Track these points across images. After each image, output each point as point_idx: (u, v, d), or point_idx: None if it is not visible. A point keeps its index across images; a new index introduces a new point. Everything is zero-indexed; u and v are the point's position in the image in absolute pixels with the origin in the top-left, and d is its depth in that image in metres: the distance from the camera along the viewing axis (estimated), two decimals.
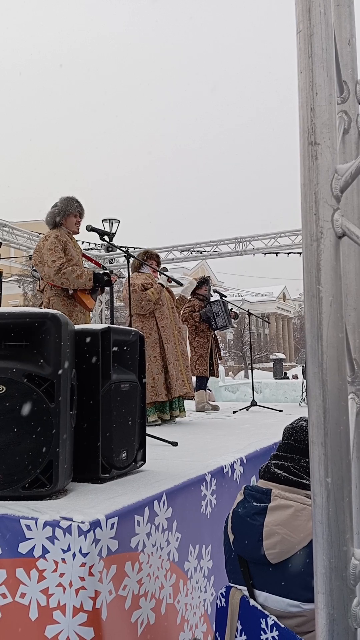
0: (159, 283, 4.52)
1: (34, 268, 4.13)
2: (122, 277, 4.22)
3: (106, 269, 4.22)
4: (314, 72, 0.79)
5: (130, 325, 4.34)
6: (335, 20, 1.03)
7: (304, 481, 1.48)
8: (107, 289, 4.20)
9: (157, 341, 4.43)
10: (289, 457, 1.54)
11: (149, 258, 4.81)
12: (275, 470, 1.52)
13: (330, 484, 0.73)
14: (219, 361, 6.16)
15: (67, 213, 3.94)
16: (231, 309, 5.99)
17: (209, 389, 5.99)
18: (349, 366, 0.91)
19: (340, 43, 1.03)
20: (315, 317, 0.76)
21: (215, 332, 6.00)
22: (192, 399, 4.83)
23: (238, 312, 6.59)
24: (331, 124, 0.78)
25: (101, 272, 3.95)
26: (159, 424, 4.30)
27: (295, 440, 1.57)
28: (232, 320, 5.98)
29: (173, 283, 4.57)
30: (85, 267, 3.90)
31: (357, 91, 1.01)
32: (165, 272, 4.61)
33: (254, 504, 1.50)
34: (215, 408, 5.93)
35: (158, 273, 4.72)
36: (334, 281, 0.76)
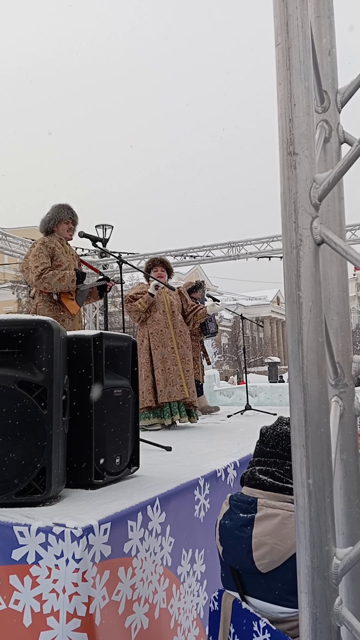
0: (149, 292, 4.54)
1: None
2: (119, 283, 4.23)
3: (102, 275, 4.25)
4: (292, 84, 0.81)
5: (124, 331, 4.35)
6: (316, 32, 1.05)
7: (290, 485, 1.48)
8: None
9: (148, 348, 4.46)
10: (272, 462, 1.54)
11: (153, 265, 4.82)
12: (260, 476, 1.51)
13: (312, 485, 0.75)
14: (207, 366, 6.23)
15: (58, 220, 3.99)
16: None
17: None
18: (332, 370, 0.93)
19: (321, 54, 1.05)
20: (295, 323, 0.78)
21: (204, 337, 6.04)
22: (192, 404, 4.70)
23: (231, 316, 6.65)
24: (309, 134, 0.80)
25: (80, 270, 3.96)
26: (158, 429, 4.30)
27: (276, 446, 1.56)
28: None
29: (166, 288, 4.59)
30: (68, 271, 3.91)
31: (338, 100, 1.03)
32: (153, 277, 4.62)
33: (241, 515, 1.49)
34: (216, 409, 6.00)
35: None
36: (314, 287, 0.77)
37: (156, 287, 4.54)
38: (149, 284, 4.67)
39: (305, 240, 0.78)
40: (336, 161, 1.03)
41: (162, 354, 4.45)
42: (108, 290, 4.14)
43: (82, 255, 12.29)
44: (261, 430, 1.63)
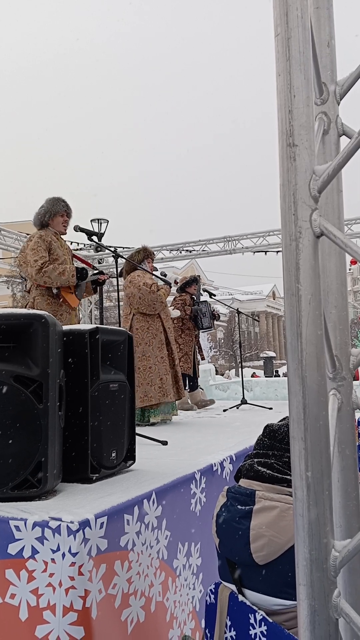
0: (168, 285, 4.50)
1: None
2: (114, 277, 4.18)
3: (96, 269, 4.23)
4: (291, 75, 0.80)
5: (122, 325, 4.33)
6: (315, 23, 1.05)
7: (289, 477, 1.48)
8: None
9: (164, 342, 4.40)
10: (270, 454, 1.54)
11: (149, 256, 4.71)
12: (259, 468, 1.51)
13: (310, 478, 0.75)
14: (202, 361, 6.25)
15: (53, 213, 3.97)
16: (213, 310, 6.04)
17: (186, 389, 6.04)
18: (330, 363, 0.93)
19: (320, 45, 1.04)
20: (294, 315, 0.78)
21: (198, 332, 6.06)
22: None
23: (227, 310, 6.68)
24: (309, 125, 0.79)
25: (83, 267, 3.95)
26: (154, 424, 4.30)
27: (276, 439, 1.56)
28: (214, 321, 6.06)
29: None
30: (68, 265, 3.90)
31: (337, 92, 1.03)
32: (162, 277, 4.59)
33: (239, 507, 1.49)
34: (211, 402, 6.03)
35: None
36: (313, 280, 0.77)
37: (175, 281, 4.51)
38: (151, 275, 4.61)
39: (305, 232, 0.78)
40: (335, 154, 1.02)
41: (174, 350, 4.49)
42: (101, 282, 4.10)
43: (77, 249, 12.25)
44: (267, 424, 1.63)
